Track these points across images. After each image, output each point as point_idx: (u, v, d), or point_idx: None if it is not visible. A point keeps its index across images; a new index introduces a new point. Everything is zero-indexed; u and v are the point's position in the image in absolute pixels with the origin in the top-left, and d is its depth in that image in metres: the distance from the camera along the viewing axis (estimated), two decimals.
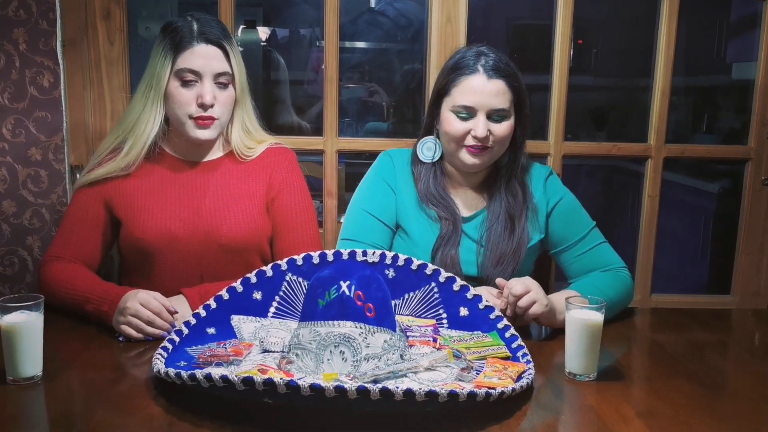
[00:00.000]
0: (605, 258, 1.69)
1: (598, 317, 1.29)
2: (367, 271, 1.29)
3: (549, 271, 2.00)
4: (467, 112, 1.61)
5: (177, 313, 1.46)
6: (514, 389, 1.15)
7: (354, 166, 3.07)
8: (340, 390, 1.03)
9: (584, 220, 1.73)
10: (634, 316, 1.73)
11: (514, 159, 1.70)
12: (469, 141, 1.62)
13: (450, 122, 1.63)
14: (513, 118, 1.64)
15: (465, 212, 1.71)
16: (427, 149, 1.69)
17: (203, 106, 1.60)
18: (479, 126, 1.59)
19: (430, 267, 1.47)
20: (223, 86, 1.63)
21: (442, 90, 1.66)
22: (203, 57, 1.59)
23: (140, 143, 1.63)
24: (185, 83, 1.59)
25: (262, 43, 3.90)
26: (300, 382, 1.03)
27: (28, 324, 1.22)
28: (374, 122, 3.93)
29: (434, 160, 1.70)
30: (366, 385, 1.04)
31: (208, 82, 1.60)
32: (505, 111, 1.61)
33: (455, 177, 1.73)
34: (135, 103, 1.65)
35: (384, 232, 1.69)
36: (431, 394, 1.05)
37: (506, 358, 1.32)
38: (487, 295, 1.50)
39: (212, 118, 1.62)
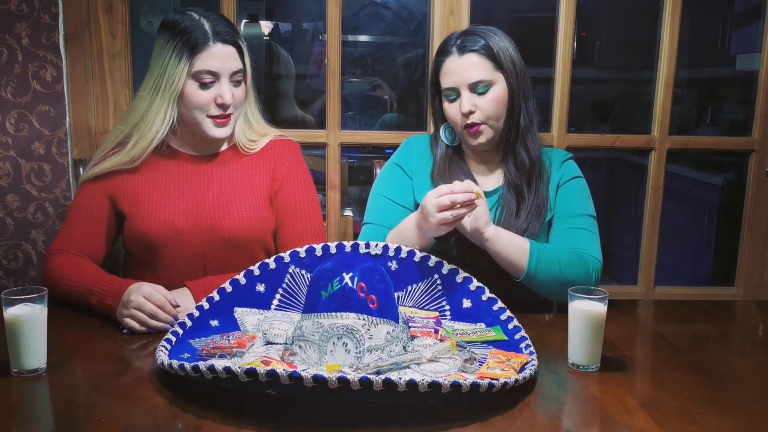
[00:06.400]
0: (583, 243, 1.63)
1: (601, 308, 1.28)
2: (370, 263, 1.29)
3: None
4: (453, 93, 1.65)
5: (180, 306, 1.47)
6: (517, 380, 1.15)
7: (365, 161, 3.07)
8: (343, 381, 1.03)
9: (585, 204, 1.70)
10: (638, 308, 1.72)
11: (512, 122, 1.66)
12: (464, 121, 1.64)
13: (445, 107, 1.68)
14: (502, 85, 1.64)
15: (485, 187, 1.70)
16: (450, 132, 1.73)
17: (223, 106, 1.61)
18: (463, 102, 1.62)
19: (433, 259, 1.47)
20: (237, 83, 1.63)
21: (434, 80, 1.71)
22: (220, 57, 1.59)
23: (146, 140, 1.63)
24: (203, 85, 1.59)
25: (265, 38, 3.89)
26: (303, 374, 1.03)
27: (32, 316, 1.22)
28: (389, 114, 3.90)
29: (456, 143, 1.74)
30: (369, 376, 1.04)
31: (226, 82, 1.60)
32: (485, 81, 1.62)
33: (474, 156, 1.75)
34: (140, 101, 1.63)
35: (403, 213, 1.68)
36: (434, 385, 1.05)
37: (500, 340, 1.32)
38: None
39: (230, 116, 1.64)
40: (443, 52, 1.67)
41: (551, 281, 1.54)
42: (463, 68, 1.63)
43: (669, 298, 2.30)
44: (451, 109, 1.66)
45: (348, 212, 2.38)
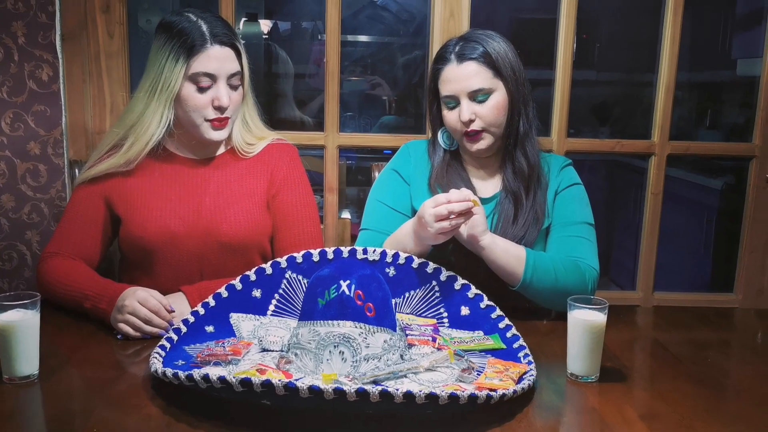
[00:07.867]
0: (580, 252, 1.62)
1: (600, 318, 1.27)
2: (368, 269, 1.27)
3: None
4: (452, 101, 1.64)
5: (175, 311, 1.45)
6: (515, 391, 1.14)
7: (363, 161, 3.06)
8: (339, 392, 1.02)
9: (583, 211, 1.69)
10: (637, 315, 1.71)
11: (512, 128, 1.66)
12: (464, 128, 1.63)
13: (444, 115, 1.67)
14: (502, 92, 1.63)
15: (483, 194, 1.70)
16: (448, 137, 1.72)
17: (220, 109, 1.59)
18: (463, 111, 1.62)
19: (431, 265, 1.46)
20: (235, 86, 1.61)
21: (432, 86, 1.69)
22: (218, 59, 1.57)
23: (142, 142, 1.61)
24: (200, 87, 1.57)
25: (264, 36, 3.87)
26: (299, 384, 1.02)
27: (24, 322, 1.20)
28: (388, 116, 3.88)
29: (454, 147, 1.72)
30: (365, 386, 1.03)
31: (223, 85, 1.59)
32: (485, 90, 1.61)
33: (472, 162, 1.74)
34: (136, 102, 1.62)
35: (400, 220, 1.66)
36: (432, 397, 1.04)
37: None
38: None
39: (227, 119, 1.62)
40: (441, 59, 1.65)
41: (547, 290, 1.52)
42: (463, 77, 1.61)
43: (667, 304, 2.29)
44: (451, 117, 1.65)
45: (346, 214, 2.37)
